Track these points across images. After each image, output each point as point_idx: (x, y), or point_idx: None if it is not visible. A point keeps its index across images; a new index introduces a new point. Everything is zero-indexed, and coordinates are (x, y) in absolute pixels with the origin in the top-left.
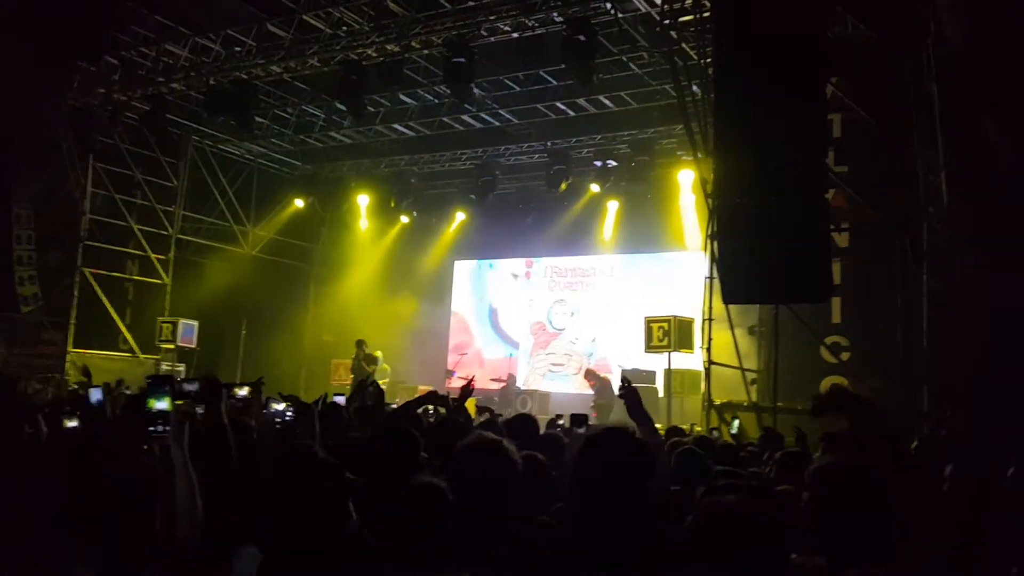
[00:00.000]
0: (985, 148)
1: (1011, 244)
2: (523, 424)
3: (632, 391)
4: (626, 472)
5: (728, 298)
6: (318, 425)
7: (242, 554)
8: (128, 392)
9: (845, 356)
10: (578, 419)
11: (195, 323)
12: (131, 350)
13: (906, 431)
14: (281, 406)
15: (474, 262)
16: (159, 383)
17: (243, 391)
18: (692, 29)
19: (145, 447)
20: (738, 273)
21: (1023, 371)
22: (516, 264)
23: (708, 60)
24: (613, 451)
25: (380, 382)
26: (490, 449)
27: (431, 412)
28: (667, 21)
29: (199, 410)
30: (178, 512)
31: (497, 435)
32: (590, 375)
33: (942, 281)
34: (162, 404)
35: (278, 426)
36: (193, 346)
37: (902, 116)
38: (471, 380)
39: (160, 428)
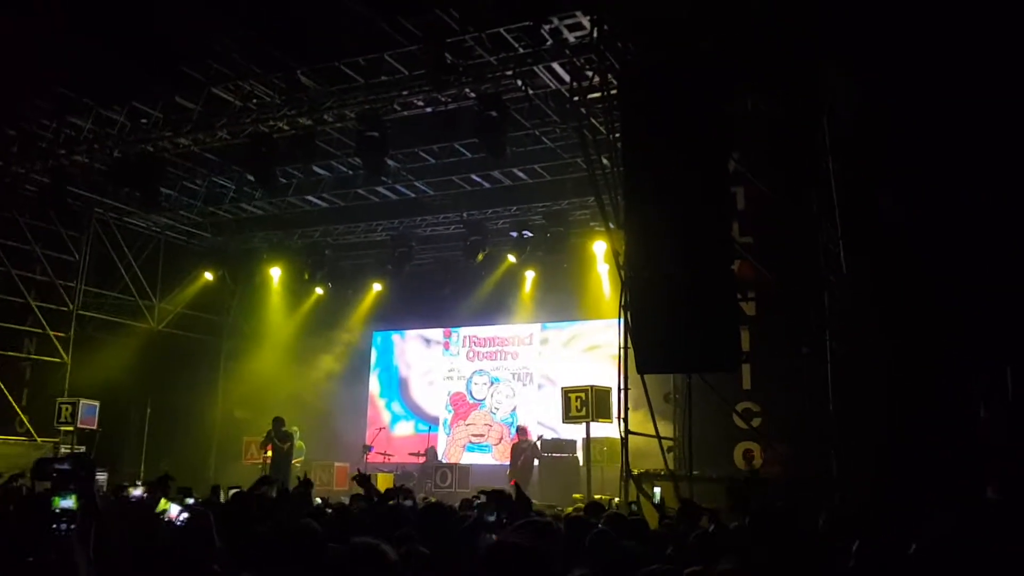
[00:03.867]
0: (880, 218)
1: (908, 310)
2: (436, 517)
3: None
4: None
5: (641, 368)
6: (215, 528)
7: None
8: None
9: (756, 422)
10: (490, 504)
11: (96, 403)
12: (28, 433)
13: (815, 497)
14: (176, 511)
15: (391, 333)
16: (64, 481)
17: (137, 491)
18: (600, 105)
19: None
20: (650, 343)
21: (923, 436)
22: (433, 334)
23: (616, 134)
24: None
25: (296, 460)
26: (368, 554)
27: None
28: (576, 98)
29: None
30: None
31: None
32: (521, 431)
33: (844, 346)
34: (67, 503)
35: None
36: (94, 427)
37: (802, 188)
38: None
39: (64, 527)
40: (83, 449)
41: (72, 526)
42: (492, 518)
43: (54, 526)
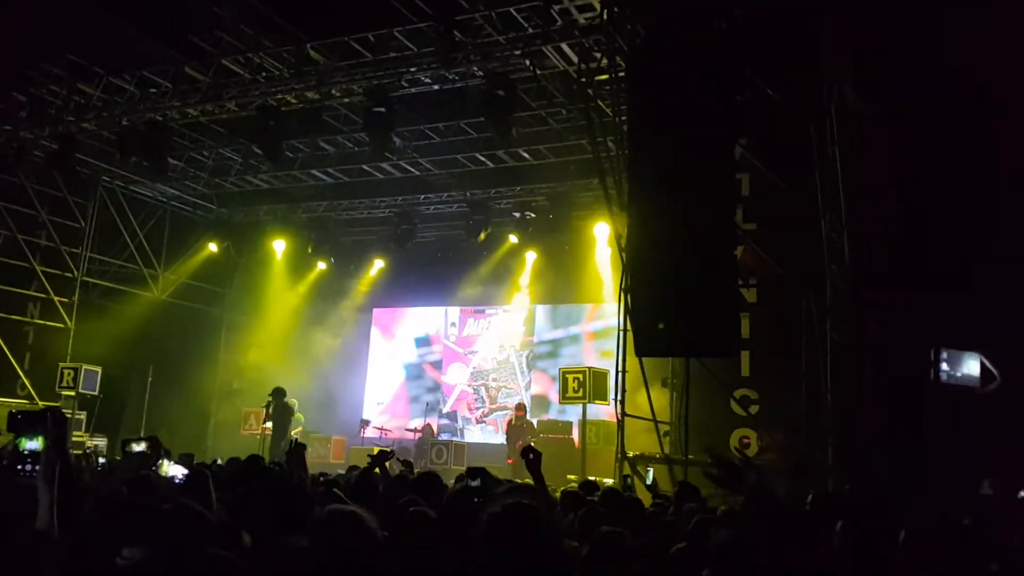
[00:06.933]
0: (883, 213)
1: (907, 303)
2: (428, 483)
3: (534, 463)
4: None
5: (640, 351)
6: (212, 486)
7: None
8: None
9: (754, 409)
10: (472, 472)
11: (98, 369)
12: (29, 396)
13: (810, 484)
14: (174, 469)
15: (391, 310)
16: (29, 423)
17: (140, 446)
18: (608, 87)
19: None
20: (650, 326)
21: (917, 426)
22: (433, 311)
23: (623, 117)
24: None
25: (294, 431)
26: (347, 521)
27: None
28: (583, 79)
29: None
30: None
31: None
32: (520, 408)
33: (844, 337)
34: (33, 444)
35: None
36: (95, 393)
37: (808, 177)
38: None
39: (29, 468)
40: (83, 415)
41: (36, 467)
42: (476, 483)
43: (19, 467)
